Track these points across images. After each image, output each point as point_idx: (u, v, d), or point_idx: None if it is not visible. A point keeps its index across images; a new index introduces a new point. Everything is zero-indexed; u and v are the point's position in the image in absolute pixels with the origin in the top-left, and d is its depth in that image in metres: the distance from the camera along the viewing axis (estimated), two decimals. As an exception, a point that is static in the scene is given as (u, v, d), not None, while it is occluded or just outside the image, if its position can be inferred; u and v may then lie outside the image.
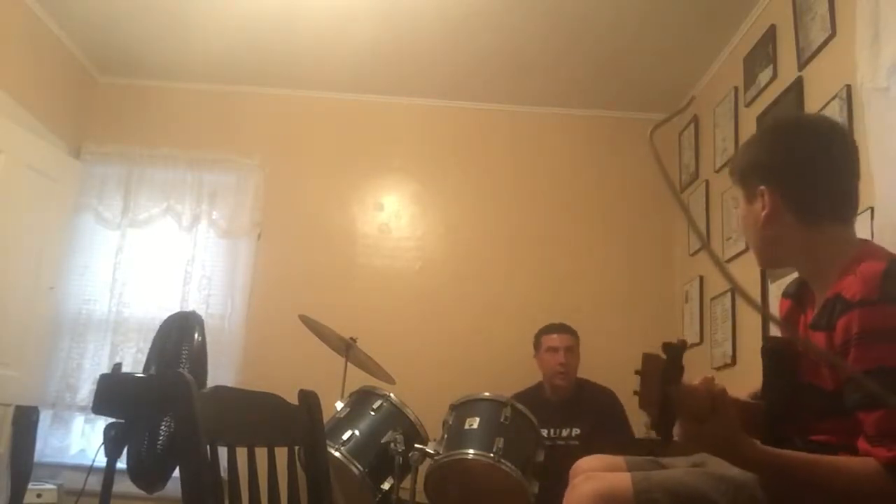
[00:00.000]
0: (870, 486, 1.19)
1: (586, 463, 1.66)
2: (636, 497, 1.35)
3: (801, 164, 1.41)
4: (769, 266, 1.56)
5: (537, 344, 3.64)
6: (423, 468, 2.70)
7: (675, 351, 1.24)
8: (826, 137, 1.44)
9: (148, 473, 2.05)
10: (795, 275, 1.55)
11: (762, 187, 1.43)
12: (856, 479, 1.20)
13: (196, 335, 2.09)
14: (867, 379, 1.21)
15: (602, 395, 3.53)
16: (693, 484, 1.36)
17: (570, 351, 3.52)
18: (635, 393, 1.27)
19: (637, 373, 1.27)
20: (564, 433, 3.38)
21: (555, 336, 3.54)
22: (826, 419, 1.34)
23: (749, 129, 3.39)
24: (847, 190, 1.43)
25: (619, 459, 1.66)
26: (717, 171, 3.78)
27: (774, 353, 1.48)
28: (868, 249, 1.37)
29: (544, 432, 3.22)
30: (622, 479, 1.41)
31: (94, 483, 2.42)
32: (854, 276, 1.28)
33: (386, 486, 2.72)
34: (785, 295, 1.58)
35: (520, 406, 2.81)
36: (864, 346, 1.22)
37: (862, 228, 2.14)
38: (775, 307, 3.01)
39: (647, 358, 1.25)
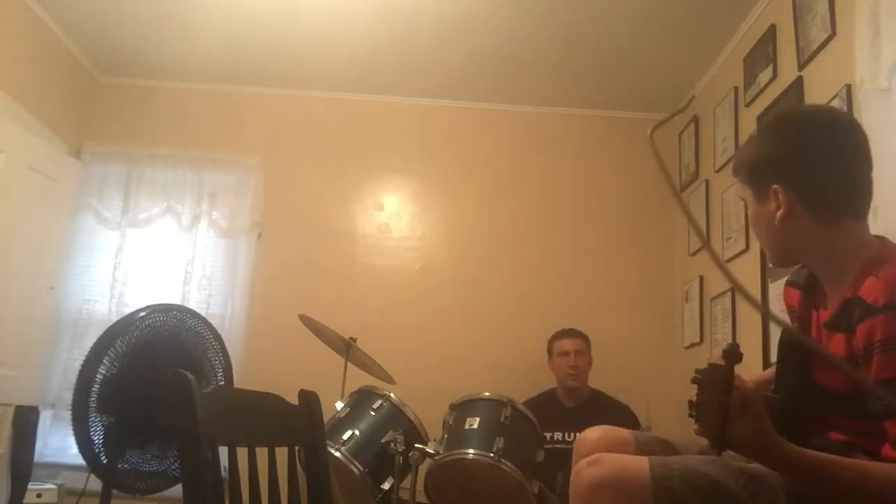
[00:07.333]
0: None
1: (592, 434, 1.59)
2: (654, 484, 1.29)
3: (814, 158, 1.36)
4: (782, 264, 1.50)
5: (549, 350, 3.77)
6: (423, 468, 2.70)
7: (734, 360, 1.20)
8: (836, 129, 1.40)
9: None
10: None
11: (776, 186, 1.37)
12: (886, 484, 1.16)
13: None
14: (880, 387, 1.18)
15: (618, 408, 3.61)
16: (712, 474, 1.31)
17: (581, 354, 3.66)
18: (690, 404, 1.22)
19: (694, 382, 1.22)
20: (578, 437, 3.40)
21: (566, 340, 3.69)
22: (834, 417, 1.33)
23: (749, 129, 3.39)
24: (861, 182, 1.38)
25: (625, 434, 1.59)
26: (717, 171, 3.77)
27: (790, 347, 1.44)
28: (888, 249, 1.33)
29: (557, 435, 3.21)
30: (637, 464, 1.34)
31: (95, 483, 2.42)
32: (876, 278, 1.24)
33: (386, 485, 2.71)
34: (793, 285, 1.51)
35: (520, 406, 2.81)
36: (889, 353, 1.18)
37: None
38: (775, 307, 3.02)
39: (713, 368, 1.20)
